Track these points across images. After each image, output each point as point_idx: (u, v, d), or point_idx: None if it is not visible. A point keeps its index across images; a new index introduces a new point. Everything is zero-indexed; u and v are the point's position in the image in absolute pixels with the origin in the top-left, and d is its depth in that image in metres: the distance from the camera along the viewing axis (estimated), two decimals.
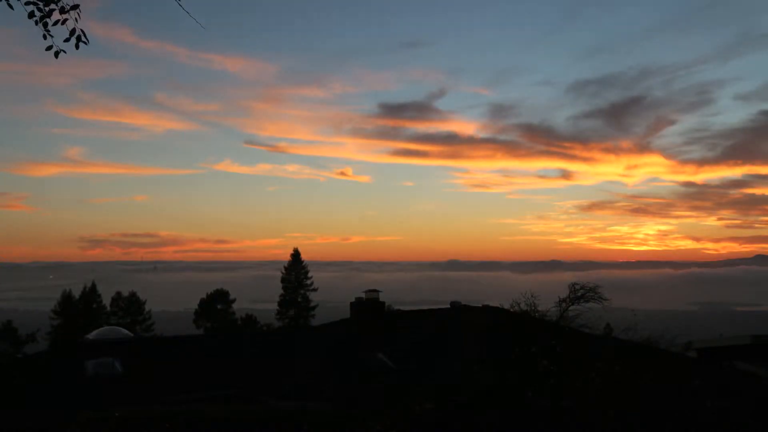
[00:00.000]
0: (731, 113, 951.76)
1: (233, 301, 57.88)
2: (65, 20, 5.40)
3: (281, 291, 60.18)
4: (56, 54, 5.51)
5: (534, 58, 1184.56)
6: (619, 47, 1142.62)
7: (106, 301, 54.64)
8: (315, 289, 60.93)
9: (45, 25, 5.41)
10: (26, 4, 5.40)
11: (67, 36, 5.44)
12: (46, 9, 5.37)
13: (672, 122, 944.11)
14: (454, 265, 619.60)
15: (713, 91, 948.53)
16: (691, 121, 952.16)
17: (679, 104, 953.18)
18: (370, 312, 28.93)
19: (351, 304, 29.99)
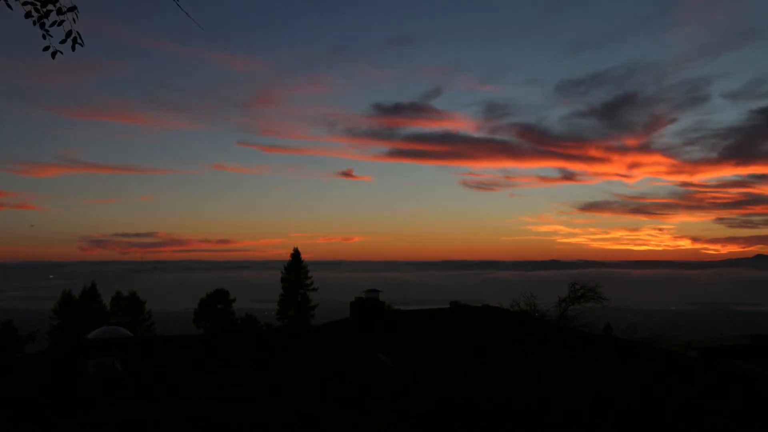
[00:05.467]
0: (728, 112, 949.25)
1: (233, 301, 57.83)
2: (62, 21, 5.40)
3: (281, 291, 60.19)
4: (53, 55, 5.52)
5: (523, 56, 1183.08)
6: (604, 44, 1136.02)
7: (106, 301, 54.65)
8: (315, 289, 60.89)
9: (42, 25, 5.42)
10: (24, 4, 5.40)
11: (63, 37, 5.44)
12: (44, 10, 5.38)
13: (669, 121, 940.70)
14: (453, 264, 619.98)
15: (707, 89, 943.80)
16: (688, 120, 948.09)
17: (674, 102, 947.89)
18: (370, 312, 28.95)
19: (351, 304, 30.01)
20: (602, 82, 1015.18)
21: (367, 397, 15.96)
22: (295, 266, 60.38)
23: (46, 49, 5.48)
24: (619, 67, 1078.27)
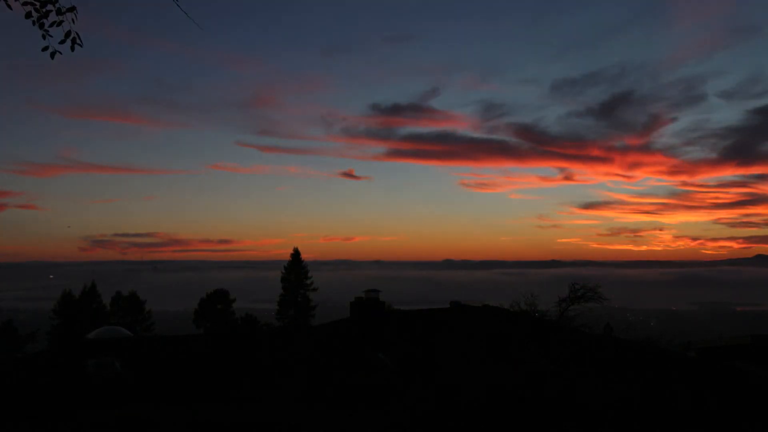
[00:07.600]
0: (725, 111, 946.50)
1: (233, 301, 57.85)
2: (61, 22, 5.41)
3: (281, 291, 60.20)
4: (52, 55, 5.52)
5: (519, 55, 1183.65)
6: (598, 43, 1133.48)
7: (106, 301, 54.67)
8: (315, 289, 60.89)
9: (42, 25, 5.42)
10: (24, 4, 5.40)
11: (63, 38, 5.45)
12: (43, 10, 5.38)
13: (669, 121, 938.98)
14: (453, 264, 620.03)
15: (702, 87, 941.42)
16: (687, 120, 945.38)
17: (670, 101, 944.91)
18: (370, 312, 28.97)
19: (351, 304, 30.04)
20: (597, 81, 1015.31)
21: (366, 397, 15.96)
22: (296, 266, 60.39)
23: (45, 49, 5.48)
24: (614, 66, 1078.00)
